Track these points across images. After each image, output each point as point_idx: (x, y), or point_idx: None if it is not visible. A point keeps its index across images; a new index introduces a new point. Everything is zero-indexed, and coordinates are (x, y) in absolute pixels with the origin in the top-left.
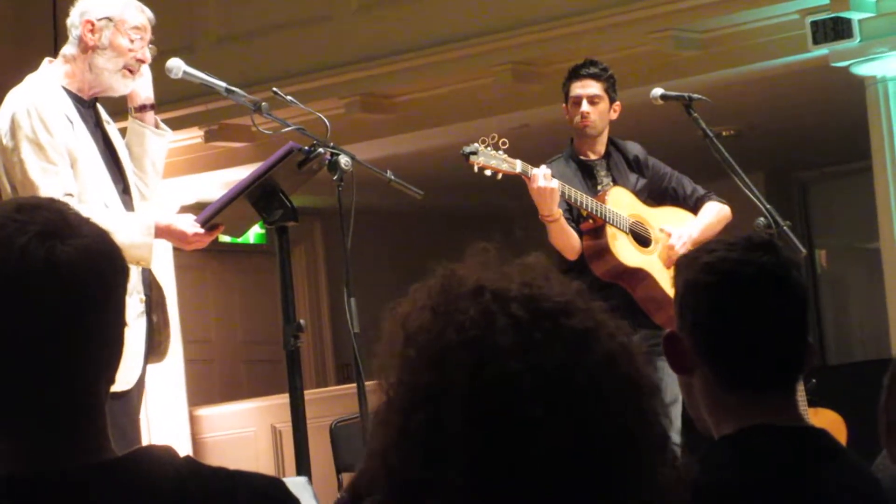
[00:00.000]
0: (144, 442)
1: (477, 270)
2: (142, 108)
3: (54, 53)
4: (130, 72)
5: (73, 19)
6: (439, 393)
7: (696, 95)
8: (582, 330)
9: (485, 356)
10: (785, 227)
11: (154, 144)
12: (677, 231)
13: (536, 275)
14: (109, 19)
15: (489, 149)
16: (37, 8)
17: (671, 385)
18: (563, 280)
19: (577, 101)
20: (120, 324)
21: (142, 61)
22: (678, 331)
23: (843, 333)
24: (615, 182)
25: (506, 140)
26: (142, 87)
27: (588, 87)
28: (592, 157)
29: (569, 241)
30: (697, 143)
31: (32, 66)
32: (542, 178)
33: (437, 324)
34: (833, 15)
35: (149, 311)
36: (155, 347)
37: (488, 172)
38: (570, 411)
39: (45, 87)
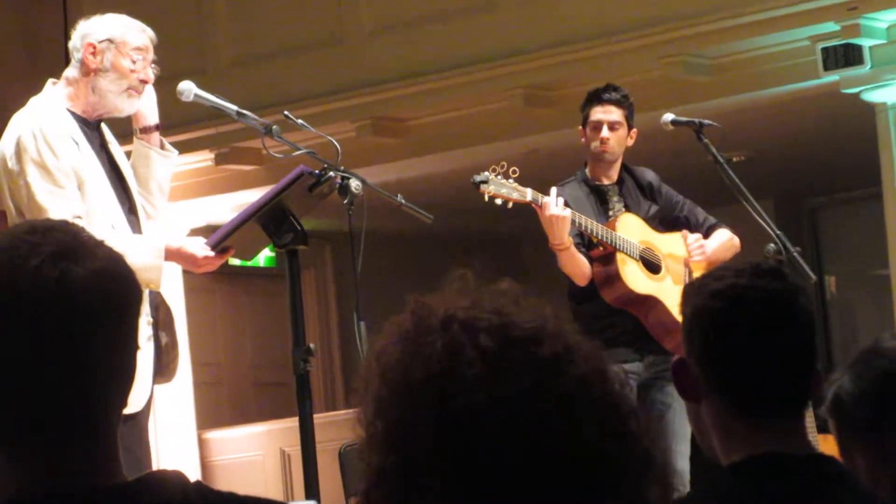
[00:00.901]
0: (154, 465)
1: (449, 300)
2: (146, 130)
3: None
4: (135, 92)
5: (75, 42)
6: (410, 430)
7: (706, 121)
8: (551, 356)
9: (449, 390)
10: (795, 253)
11: (159, 165)
12: (695, 235)
13: (507, 301)
14: (111, 41)
15: (500, 177)
16: (47, 28)
17: (681, 411)
18: (536, 305)
19: (597, 127)
20: (132, 347)
21: (145, 81)
22: (686, 357)
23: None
24: (627, 208)
25: (516, 168)
26: (146, 108)
27: (610, 114)
28: (606, 182)
29: (579, 268)
30: (708, 169)
31: (42, 88)
32: (554, 205)
33: (405, 359)
34: (844, 41)
35: (156, 331)
36: (163, 368)
37: (499, 201)
38: (540, 439)
39: (50, 110)
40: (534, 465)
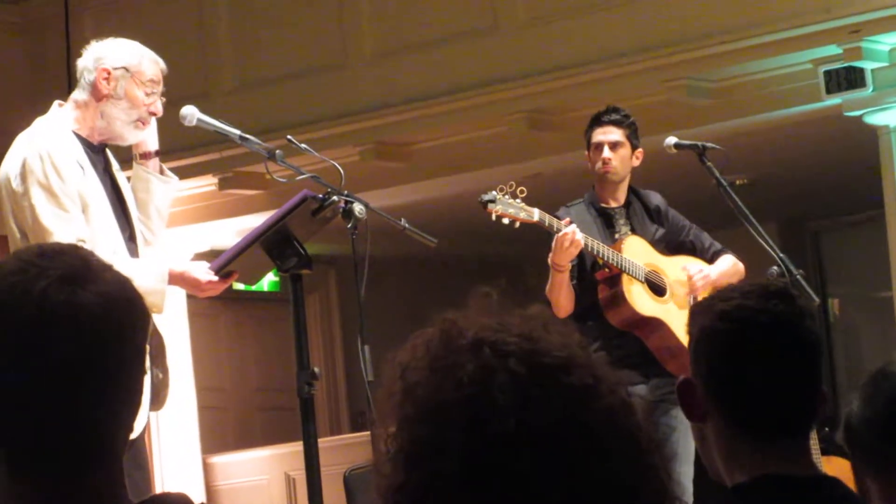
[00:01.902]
0: (157, 489)
1: (477, 321)
2: (146, 155)
3: (67, 98)
4: (142, 123)
5: (87, 64)
6: (437, 450)
7: (709, 144)
8: (580, 387)
9: (483, 414)
10: (798, 276)
11: (159, 191)
12: (697, 265)
13: (536, 326)
14: (126, 69)
15: (507, 197)
16: (51, 52)
17: (685, 433)
18: (563, 331)
19: (599, 147)
20: (139, 371)
21: (154, 114)
22: (692, 377)
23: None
24: (634, 231)
25: (524, 188)
26: (147, 135)
27: (609, 134)
28: (613, 204)
29: (564, 296)
30: (711, 192)
31: (46, 111)
32: (574, 228)
33: (435, 379)
34: (846, 65)
35: (150, 360)
36: (155, 396)
37: (506, 221)
38: (568, 469)
39: (57, 132)
40: (557, 491)
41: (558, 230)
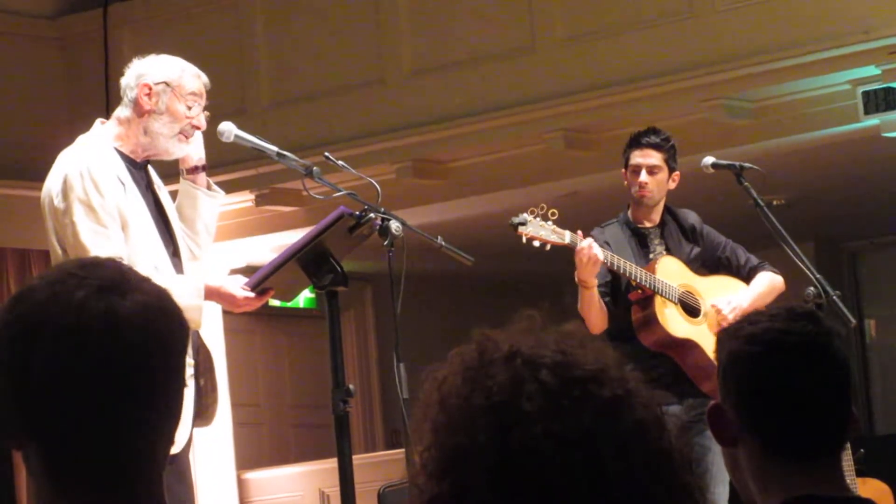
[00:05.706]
0: None
1: (514, 336)
2: (193, 170)
3: (106, 115)
4: (185, 136)
5: (129, 81)
6: (466, 457)
7: (747, 164)
8: (611, 399)
9: (510, 421)
10: (835, 297)
11: (206, 206)
12: (727, 299)
13: (572, 342)
14: (167, 84)
15: (538, 219)
16: (88, 68)
17: (720, 454)
18: (599, 348)
19: (636, 171)
20: (179, 384)
21: (197, 127)
22: (721, 402)
23: (891, 403)
24: (668, 251)
25: (555, 210)
26: (193, 149)
27: (648, 157)
28: (648, 224)
29: (595, 314)
30: (748, 212)
31: (84, 128)
32: (592, 244)
33: (467, 388)
34: (884, 85)
35: (196, 374)
36: (202, 411)
37: (536, 243)
38: (596, 480)
39: (98, 149)
40: (583, 502)
41: (574, 244)
